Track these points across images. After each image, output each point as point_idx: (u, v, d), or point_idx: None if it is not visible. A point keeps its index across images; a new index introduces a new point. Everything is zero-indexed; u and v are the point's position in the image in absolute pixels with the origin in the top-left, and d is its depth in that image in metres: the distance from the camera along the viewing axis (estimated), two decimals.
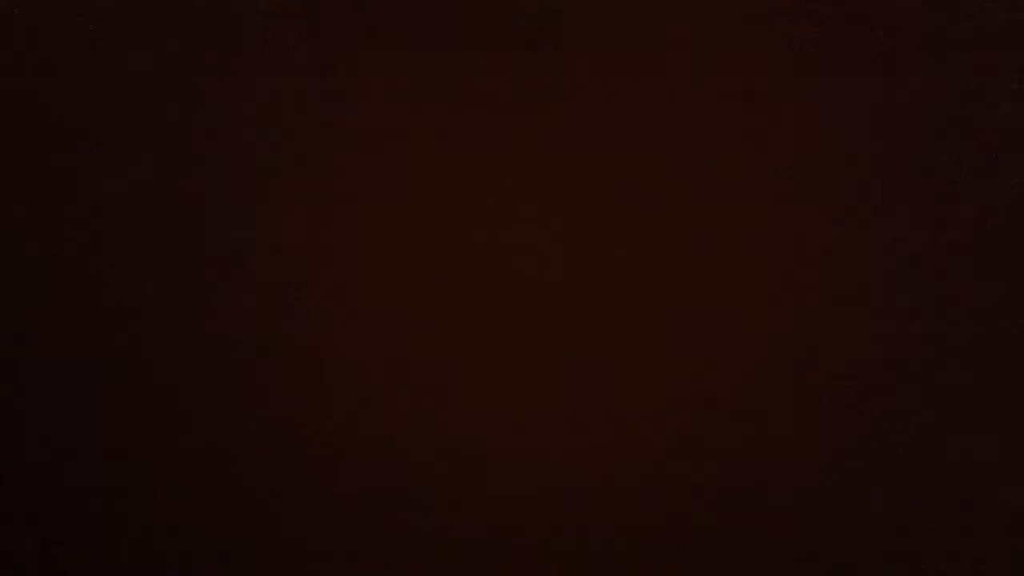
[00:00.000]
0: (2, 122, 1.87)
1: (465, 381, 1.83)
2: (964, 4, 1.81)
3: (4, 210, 1.86)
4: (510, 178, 1.84)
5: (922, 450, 1.80)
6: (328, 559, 1.83)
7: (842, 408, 1.80)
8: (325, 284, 1.84)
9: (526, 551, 1.82)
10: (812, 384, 1.80)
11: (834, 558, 1.80)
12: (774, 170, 1.82)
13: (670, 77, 1.82)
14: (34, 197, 1.86)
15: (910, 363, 1.80)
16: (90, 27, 1.86)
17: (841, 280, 1.81)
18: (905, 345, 1.80)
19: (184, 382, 1.84)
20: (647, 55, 1.83)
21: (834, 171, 1.81)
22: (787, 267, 1.81)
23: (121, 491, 1.84)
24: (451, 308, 1.83)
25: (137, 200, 1.85)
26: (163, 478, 1.84)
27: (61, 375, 1.85)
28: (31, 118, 1.87)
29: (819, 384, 1.80)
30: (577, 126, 1.83)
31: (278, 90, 1.85)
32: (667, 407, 1.81)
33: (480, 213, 1.83)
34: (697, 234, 1.82)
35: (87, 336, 1.85)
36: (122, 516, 1.85)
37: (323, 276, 1.84)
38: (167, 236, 1.85)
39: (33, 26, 1.87)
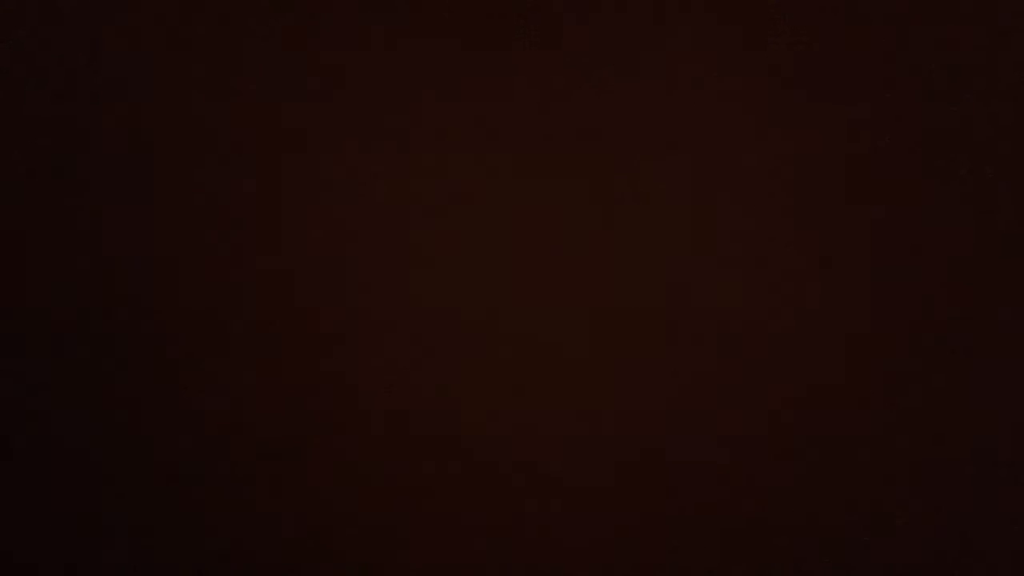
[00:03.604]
0: (3, 121, 1.87)
1: (467, 379, 1.83)
2: (964, 4, 1.81)
3: (7, 210, 1.86)
4: (510, 175, 1.84)
5: (920, 449, 1.81)
6: (329, 555, 1.84)
7: (842, 407, 1.81)
8: (325, 283, 1.84)
9: (527, 545, 1.83)
10: (812, 384, 1.81)
11: (833, 558, 1.81)
12: (774, 170, 1.82)
13: (671, 78, 1.83)
14: (37, 198, 1.86)
15: (909, 362, 1.81)
16: (95, 28, 1.86)
17: (841, 280, 1.81)
18: (904, 344, 1.81)
19: (186, 378, 1.85)
20: (648, 56, 1.83)
21: (834, 171, 1.82)
22: (787, 267, 1.81)
23: (122, 489, 1.85)
24: (453, 304, 1.84)
25: (139, 198, 1.86)
26: (163, 477, 1.85)
27: (62, 373, 1.85)
28: (32, 117, 1.87)
29: (819, 384, 1.81)
30: (578, 126, 1.83)
31: (279, 90, 1.85)
32: (668, 406, 1.82)
33: (481, 211, 1.84)
34: (699, 233, 1.82)
35: (88, 334, 1.85)
36: (122, 515, 1.85)
37: (323, 274, 1.84)
38: (169, 234, 1.85)
39: (34, 23, 1.87)
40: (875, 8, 1.82)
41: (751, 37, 1.82)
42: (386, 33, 1.85)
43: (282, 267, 1.84)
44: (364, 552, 1.84)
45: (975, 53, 1.81)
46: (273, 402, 1.84)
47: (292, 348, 1.84)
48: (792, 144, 1.82)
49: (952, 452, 1.81)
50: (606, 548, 1.83)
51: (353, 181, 1.85)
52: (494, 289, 1.83)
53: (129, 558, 1.85)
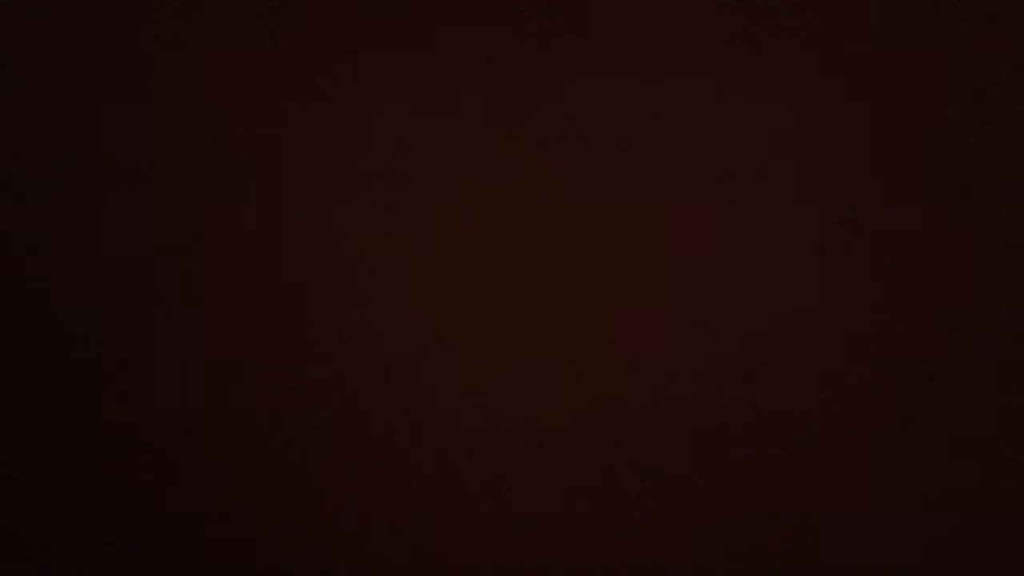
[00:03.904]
0: (3, 124, 1.87)
1: (465, 381, 1.83)
2: (963, 3, 1.81)
3: (8, 211, 1.87)
4: (513, 176, 1.84)
5: (919, 448, 1.80)
6: (327, 557, 1.84)
7: (841, 406, 1.81)
8: (325, 283, 1.84)
9: (530, 552, 1.83)
10: (812, 383, 1.81)
11: (834, 561, 1.80)
12: (775, 170, 1.82)
13: (674, 76, 1.83)
14: (38, 199, 1.87)
15: (909, 363, 1.80)
16: (94, 33, 1.87)
17: (840, 279, 1.81)
18: (903, 345, 1.81)
19: (186, 381, 1.85)
20: (650, 55, 1.83)
21: (834, 172, 1.82)
22: (787, 268, 1.81)
23: (121, 492, 1.85)
24: (456, 306, 1.84)
25: (139, 199, 1.86)
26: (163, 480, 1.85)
27: (61, 373, 1.85)
28: (32, 118, 1.87)
29: (818, 383, 1.81)
30: (579, 126, 1.84)
31: (280, 88, 1.85)
32: (667, 407, 1.81)
33: (483, 211, 1.84)
34: (700, 232, 1.82)
35: (87, 336, 1.85)
36: (123, 517, 1.85)
37: (323, 275, 1.84)
38: (169, 235, 1.85)
39: (35, 23, 1.87)
40: (876, 7, 1.82)
41: (751, 35, 1.82)
42: (386, 33, 1.85)
43: (283, 267, 1.85)
44: (364, 553, 1.84)
45: (976, 52, 1.81)
46: (273, 403, 1.84)
47: (292, 350, 1.84)
48: (792, 142, 1.82)
49: (954, 451, 1.80)
50: (607, 549, 1.82)
51: (354, 183, 1.85)
52: (495, 290, 1.83)
53: (129, 559, 1.85)
